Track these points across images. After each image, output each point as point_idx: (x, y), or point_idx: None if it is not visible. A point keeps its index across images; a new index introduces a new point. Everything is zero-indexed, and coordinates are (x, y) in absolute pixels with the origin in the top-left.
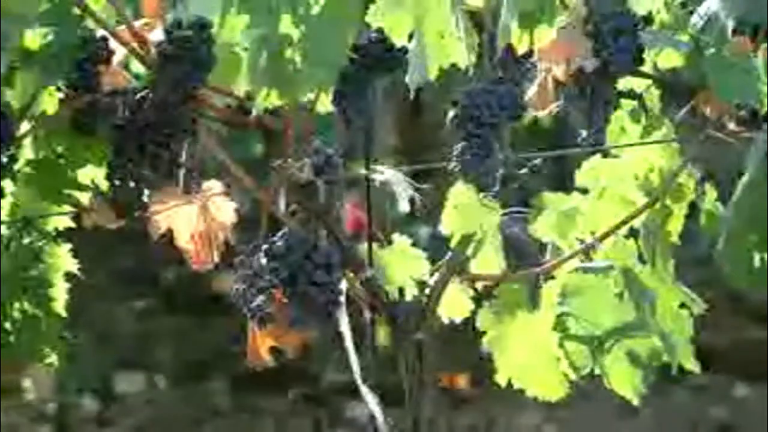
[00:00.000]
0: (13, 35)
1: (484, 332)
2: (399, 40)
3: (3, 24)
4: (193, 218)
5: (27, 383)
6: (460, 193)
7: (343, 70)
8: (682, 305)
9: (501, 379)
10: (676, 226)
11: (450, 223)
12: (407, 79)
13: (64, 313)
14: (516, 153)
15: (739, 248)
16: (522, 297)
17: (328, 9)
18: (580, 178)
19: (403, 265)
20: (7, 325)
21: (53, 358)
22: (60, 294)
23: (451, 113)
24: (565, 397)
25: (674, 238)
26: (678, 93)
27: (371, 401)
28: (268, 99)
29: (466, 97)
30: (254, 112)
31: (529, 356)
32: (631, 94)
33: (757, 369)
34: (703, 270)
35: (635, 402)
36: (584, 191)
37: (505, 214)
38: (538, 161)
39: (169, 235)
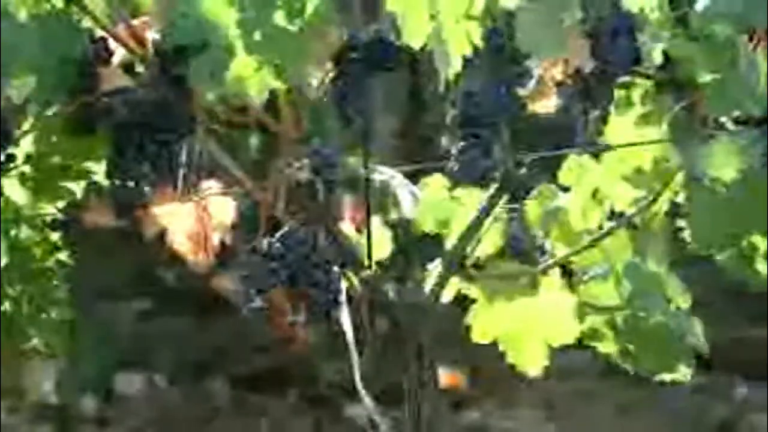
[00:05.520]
0: (12, 36)
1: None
2: (414, 29)
3: (3, 24)
4: (191, 218)
5: (27, 383)
6: (433, 185)
7: (343, 69)
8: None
9: (483, 337)
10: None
11: (423, 217)
12: (436, 60)
13: (68, 303)
14: (515, 153)
15: (738, 247)
16: (519, 280)
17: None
18: (562, 176)
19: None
20: (7, 306)
21: (55, 346)
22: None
23: (450, 113)
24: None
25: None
26: (674, 91)
27: (370, 402)
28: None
29: (466, 97)
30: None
31: (515, 325)
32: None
33: (757, 369)
34: (702, 269)
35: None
36: (566, 189)
37: (505, 212)
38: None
39: (166, 235)
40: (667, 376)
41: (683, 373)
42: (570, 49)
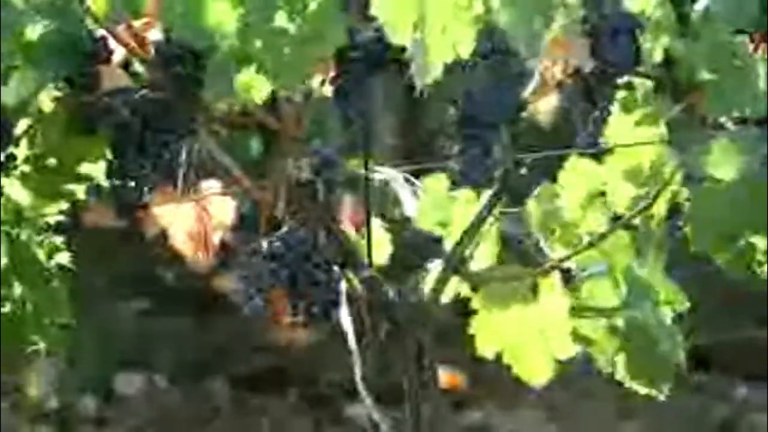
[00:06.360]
0: (13, 29)
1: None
2: (400, 36)
3: (3, 16)
4: (191, 218)
5: (27, 383)
6: (433, 184)
7: (343, 70)
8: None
9: (487, 352)
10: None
11: (424, 216)
12: (413, 71)
13: (69, 305)
14: (515, 153)
15: (738, 247)
16: (519, 285)
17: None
18: (562, 177)
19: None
20: (7, 309)
21: (56, 347)
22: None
23: (450, 113)
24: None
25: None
26: (674, 91)
27: (370, 402)
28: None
29: (466, 97)
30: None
31: (519, 335)
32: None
33: (757, 369)
34: (702, 270)
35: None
36: (565, 190)
37: (503, 213)
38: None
39: (166, 235)
40: (644, 389)
41: (662, 387)
42: (570, 49)
